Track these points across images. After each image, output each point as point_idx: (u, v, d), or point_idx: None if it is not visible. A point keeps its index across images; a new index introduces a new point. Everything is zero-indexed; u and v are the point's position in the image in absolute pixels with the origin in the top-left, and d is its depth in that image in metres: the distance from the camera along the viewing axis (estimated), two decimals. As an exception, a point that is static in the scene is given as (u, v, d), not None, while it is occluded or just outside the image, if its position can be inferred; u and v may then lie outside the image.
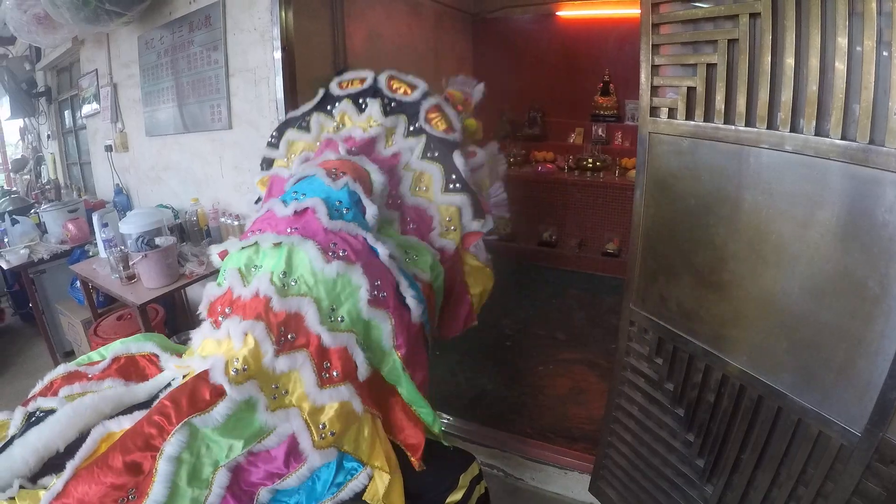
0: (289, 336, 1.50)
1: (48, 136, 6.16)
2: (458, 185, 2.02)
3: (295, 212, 1.71)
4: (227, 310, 1.59)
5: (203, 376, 1.41)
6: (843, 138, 1.32)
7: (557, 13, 5.64)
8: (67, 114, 5.77)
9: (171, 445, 1.30)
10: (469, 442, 2.86)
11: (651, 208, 1.92)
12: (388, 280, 1.63)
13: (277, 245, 1.62)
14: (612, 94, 5.34)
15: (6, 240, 4.07)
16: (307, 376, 1.48)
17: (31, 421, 1.41)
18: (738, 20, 1.51)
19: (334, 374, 1.50)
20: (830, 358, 1.44)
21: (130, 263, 2.98)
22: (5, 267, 3.82)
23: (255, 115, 3.10)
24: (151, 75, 3.73)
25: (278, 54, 2.86)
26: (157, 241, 2.95)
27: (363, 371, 1.53)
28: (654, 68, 1.79)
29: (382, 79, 2.21)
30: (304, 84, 3.33)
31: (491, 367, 3.70)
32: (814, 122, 1.37)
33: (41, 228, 4.23)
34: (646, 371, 2.09)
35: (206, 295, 1.71)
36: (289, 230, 1.65)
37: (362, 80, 2.25)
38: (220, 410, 1.36)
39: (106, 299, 3.81)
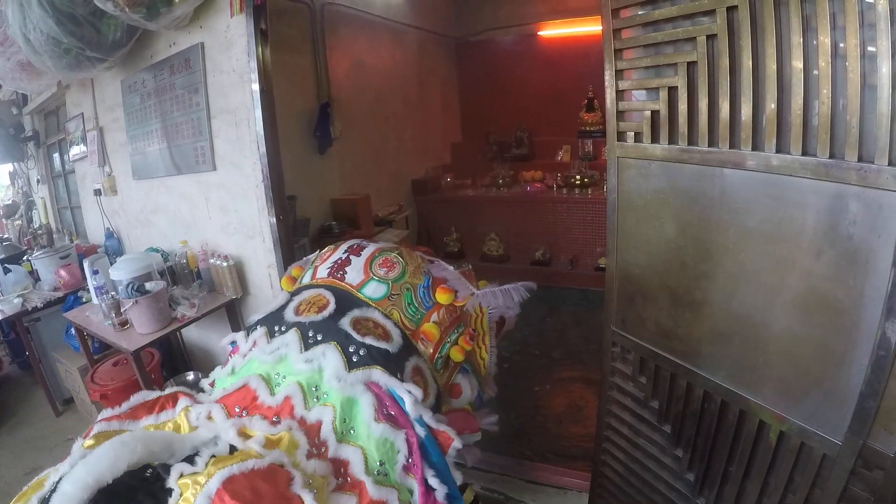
0: (338, 479, 1.49)
1: (38, 181, 6.18)
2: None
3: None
4: (243, 413, 1.58)
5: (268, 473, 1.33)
6: (803, 154, 1.34)
7: (539, 33, 5.72)
8: (56, 157, 5.78)
9: None
10: (469, 468, 2.84)
11: (624, 231, 1.95)
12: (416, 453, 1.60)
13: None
14: (597, 109, 5.39)
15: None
16: None
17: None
18: (696, 42, 1.54)
19: None
20: (806, 371, 1.45)
21: (122, 310, 2.99)
22: (0, 317, 3.83)
23: (238, 155, 3.12)
24: (136, 118, 3.75)
25: (257, 93, 2.88)
26: (148, 286, 2.96)
27: None
28: (619, 93, 1.82)
29: (346, 321, 1.73)
30: (287, 120, 3.37)
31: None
32: (774, 140, 1.39)
33: (34, 276, 4.24)
34: (631, 390, 2.10)
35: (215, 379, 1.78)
36: None
37: (321, 308, 1.79)
38: None
39: (102, 345, 3.80)
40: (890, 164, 1.18)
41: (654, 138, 1.73)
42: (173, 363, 3.98)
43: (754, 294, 1.54)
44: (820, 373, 1.42)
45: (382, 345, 1.68)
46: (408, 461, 1.56)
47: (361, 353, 1.65)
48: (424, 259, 2.02)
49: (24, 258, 4.55)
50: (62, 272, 4.07)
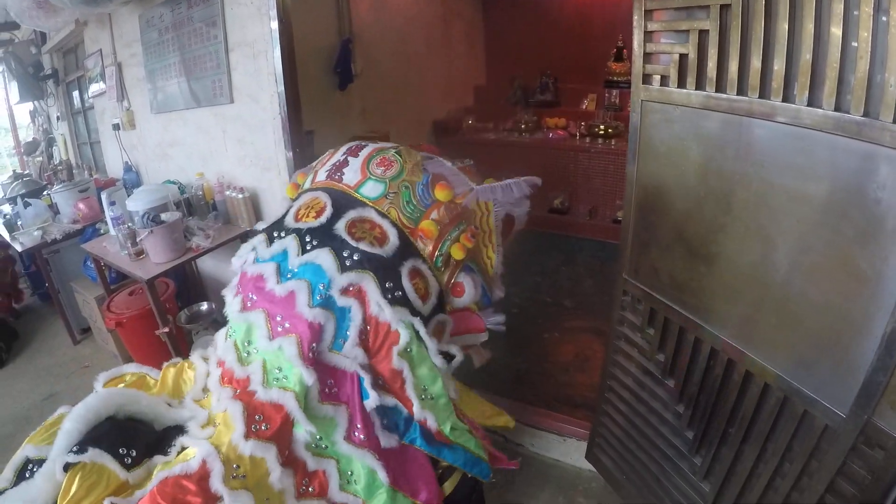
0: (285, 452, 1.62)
1: (58, 118, 6.27)
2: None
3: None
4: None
5: (201, 477, 1.44)
6: (836, 110, 1.26)
7: (571, -23, 5.53)
8: (76, 94, 5.83)
9: None
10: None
11: (643, 178, 1.90)
12: (367, 422, 1.66)
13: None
14: (625, 60, 5.21)
15: (20, 222, 4.17)
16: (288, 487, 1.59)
17: (25, 476, 1.47)
18: (732, -15, 1.46)
19: (310, 489, 1.63)
20: (818, 337, 1.42)
21: (138, 239, 3.04)
22: (19, 249, 3.96)
23: (255, 88, 3.10)
24: (154, 53, 3.73)
25: (275, 26, 2.83)
26: (163, 216, 3.00)
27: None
28: (648, 34, 1.74)
29: (341, 225, 1.75)
30: (306, 55, 3.30)
31: (496, 335, 3.66)
32: (807, 93, 1.32)
33: (53, 210, 4.34)
34: (639, 342, 2.10)
35: (217, 342, 1.88)
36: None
37: (319, 212, 1.82)
38: None
39: (118, 275, 3.87)
40: (926, 128, 1.11)
41: (681, 83, 1.66)
42: (188, 293, 4.05)
43: (772, 252, 1.49)
44: (832, 341, 1.39)
45: (376, 250, 1.69)
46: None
47: (355, 257, 1.68)
48: (423, 157, 1.97)
49: (45, 193, 4.63)
50: (81, 205, 4.15)
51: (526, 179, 1.91)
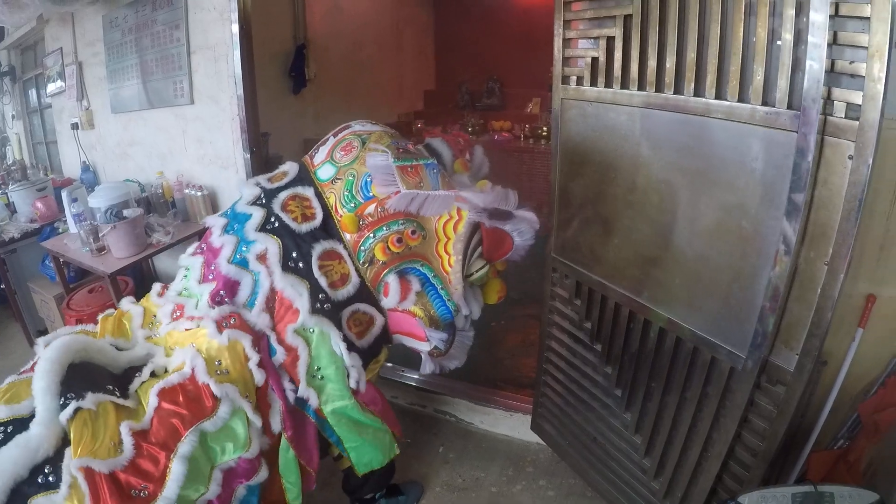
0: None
1: (13, 117, 6.08)
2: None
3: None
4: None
5: (192, 380, 1.59)
6: (717, 98, 1.54)
7: (517, -15, 5.76)
8: (32, 93, 5.72)
9: (186, 446, 1.47)
10: (422, 390, 3.10)
11: (565, 166, 2.15)
12: (276, 377, 1.75)
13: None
14: (567, 65, 5.47)
15: (-26, 222, 4.10)
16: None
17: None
18: (633, -1, 1.72)
19: None
20: (715, 291, 1.68)
21: (100, 235, 3.09)
22: (-24, 248, 3.85)
23: (216, 90, 3.24)
24: (116, 53, 3.81)
25: (236, 30, 2.98)
26: (125, 212, 3.06)
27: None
28: (566, 41, 2.01)
29: (284, 194, 1.90)
30: (263, 59, 3.45)
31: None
32: (693, 85, 1.60)
33: (10, 208, 4.26)
34: (569, 313, 2.32)
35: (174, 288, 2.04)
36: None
37: (281, 177, 2.01)
38: (224, 411, 1.56)
39: (77, 275, 3.88)
40: (789, 107, 1.37)
41: (593, 82, 1.93)
42: (146, 291, 4.03)
43: (673, 222, 1.76)
44: (726, 293, 1.64)
45: (292, 223, 1.82)
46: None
47: (275, 223, 1.83)
48: (389, 146, 1.88)
49: (0, 192, 4.57)
50: (39, 204, 4.08)
51: (458, 194, 1.86)
